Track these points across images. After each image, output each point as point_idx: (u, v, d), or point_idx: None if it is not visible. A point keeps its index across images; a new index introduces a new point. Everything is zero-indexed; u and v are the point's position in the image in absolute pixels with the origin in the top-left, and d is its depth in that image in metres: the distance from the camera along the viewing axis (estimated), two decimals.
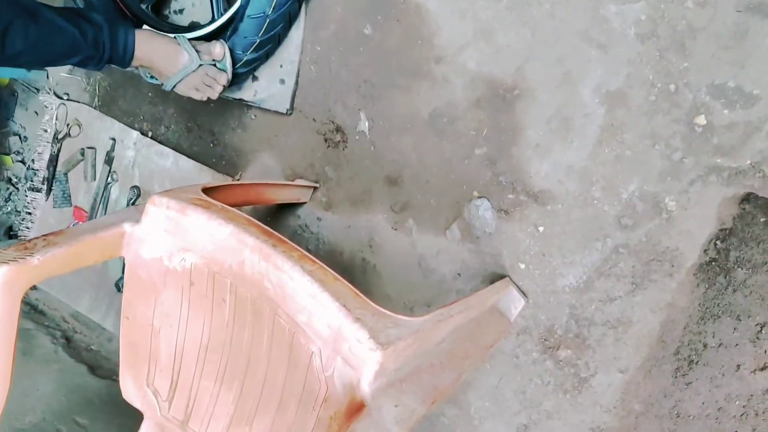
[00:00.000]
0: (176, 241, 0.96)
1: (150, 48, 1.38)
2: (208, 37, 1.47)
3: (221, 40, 1.41)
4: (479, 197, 1.31)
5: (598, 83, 1.15)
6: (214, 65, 1.42)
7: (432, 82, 1.33)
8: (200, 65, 1.40)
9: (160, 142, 1.77)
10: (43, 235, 0.91)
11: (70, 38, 1.23)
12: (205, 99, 1.47)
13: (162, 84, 1.45)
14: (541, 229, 1.26)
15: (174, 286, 0.99)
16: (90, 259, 0.97)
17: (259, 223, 0.94)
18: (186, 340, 1.01)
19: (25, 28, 1.17)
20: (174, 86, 1.43)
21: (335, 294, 0.81)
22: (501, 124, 1.26)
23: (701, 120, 1.08)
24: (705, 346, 1.15)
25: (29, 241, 0.89)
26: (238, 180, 1.64)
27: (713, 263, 1.12)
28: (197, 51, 1.39)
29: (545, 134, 1.21)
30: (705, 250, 1.12)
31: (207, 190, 1.08)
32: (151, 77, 1.51)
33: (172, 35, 1.44)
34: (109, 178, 1.87)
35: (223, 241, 0.91)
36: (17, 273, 0.82)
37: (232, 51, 1.42)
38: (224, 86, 1.45)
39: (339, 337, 0.80)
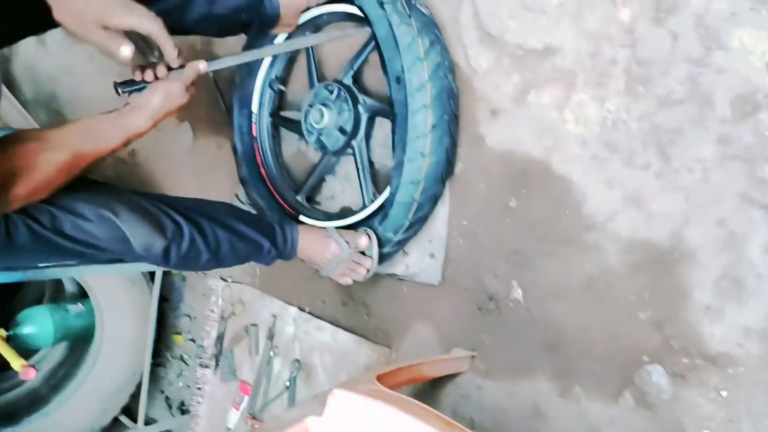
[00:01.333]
0: None
1: (307, 242, 1.55)
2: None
3: (367, 230, 1.55)
4: (650, 362, 1.27)
5: (767, 242, 1.12)
6: (362, 252, 1.55)
7: (583, 249, 1.34)
8: (349, 253, 1.53)
9: (317, 317, 1.88)
10: None
11: (253, 245, 1.41)
12: (350, 283, 1.60)
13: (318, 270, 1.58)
14: (724, 393, 1.19)
15: None
16: None
17: (439, 414, 0.96)
18: None
19: (216, 241, 1.36)
20: (328, 274, 1.56)
21: None
22: (663, 288, 1.24)
23: None
24: None
25: None
26: None
27: None
28: (346, 241, 1.53)
29: (715, 296, 1.18)
30: None
31: (379, 376, 1.13)
32: None
33: (322, 225, 1.59)
34: (271, 353, 1.98)
35: None
36: None
37: (382, 235, 1.52)
38: (368, 270, 1.57)
39: None
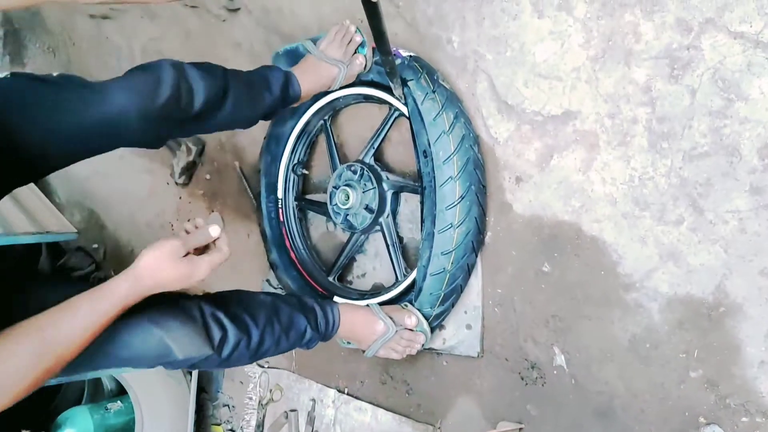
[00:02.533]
0: None
1: (350, 320, 1.50)
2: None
3: (410, 307, 1.52)
4: (708, 423, 1.22)
5: None
6: (411, 329, 1.52)
7: (624, 309, 1.32)
8: (396, 331, 1.49)
9: (356, 398, 1.84)
10: None
11: (295, 336, 1.39)
12: (404, 357, 1.56)
13: (363, 351, 1.55)
14: None
15: None
16: None
17: None
18: None
19: (276, 339, 1.35)
20: (374, 353, 1.53)
21: None
22: (713, 344, 1.20)
23: None
24: None
25: None
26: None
27: None
28: (391, 318, 1.50)
29: None
30: None
31: None
32: (348, 343, 1.62)
33: (365, 303, 1.56)
34: None
35: None
36: None
37: (420, 309, 1.51)
38: (422, 345, 1.53)
39: None
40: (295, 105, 1.61)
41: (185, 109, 1.26)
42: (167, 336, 1.16)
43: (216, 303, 1.28)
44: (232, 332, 1.26)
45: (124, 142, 1.24)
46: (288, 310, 1.40)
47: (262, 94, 1.46)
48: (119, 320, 1.06)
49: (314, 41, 1.58)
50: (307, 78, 1.54)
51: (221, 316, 1.25)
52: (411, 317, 1.50)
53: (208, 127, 1.40)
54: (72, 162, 1.22)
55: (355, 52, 1.57)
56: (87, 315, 1.00)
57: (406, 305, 1.54)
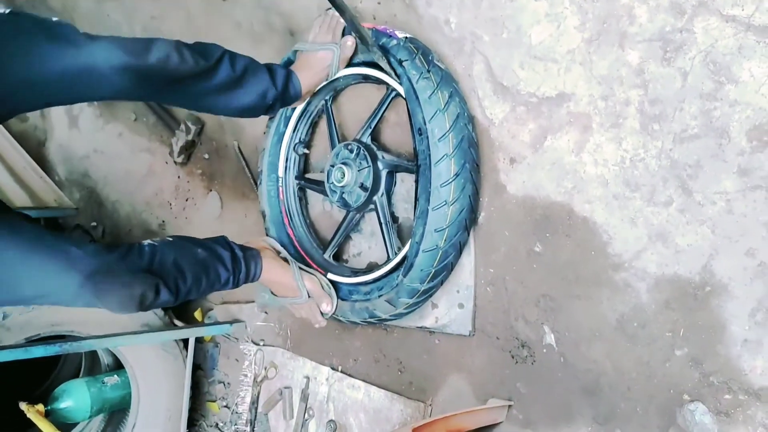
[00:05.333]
0: None
1: (269, 277, 1.69)
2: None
3: (334, 296, 1.73)
4: (692, 401, 1.24)
5: None
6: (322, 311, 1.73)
7: (613, 289, 1.34)
8: (306, 302, 1.71)
9: (350, 376, 1.87)
10: None
11: (224, 281, 1.58)
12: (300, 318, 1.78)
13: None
14: None
15: None
16: None
17: None
18: None
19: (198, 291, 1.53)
20: (280, 305, 1.80)
21: None
22: (698, 323, 1.23)
23: None
24: None
25: None
26: None
27: None
28: (307, 290, 1.70)
29: (752, 328, 1.16)
30: None
31: (416, 428, 1.12)
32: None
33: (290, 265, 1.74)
34: (306, 415, 1.96)
35: None
36: None
37: (407, 286, 1.53)
38: (320, 324, 1.76)
39: None
40: (298, 103, 1.69)
41: (173, 72, 1.32)
42: (95, 296, 1.28)
43: (162, 271, 1.41)
44: (162, 295, 1.39)
45: (99, 95, 1.31)
46: (216, 266, 1.54)
47: (258, 79, 1.52)
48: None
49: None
50: (304, 74, 1.62)
51: (161, 286, 1.38)
52: (328, 305, 1.71)
53: (194, 99, 1.46)
54: (40, 107, 1.36)
55: (343, 35, 1.62)
56: None
57: (329, 287, 1.72)
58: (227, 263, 1.56)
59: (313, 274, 1.75)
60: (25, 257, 1.22)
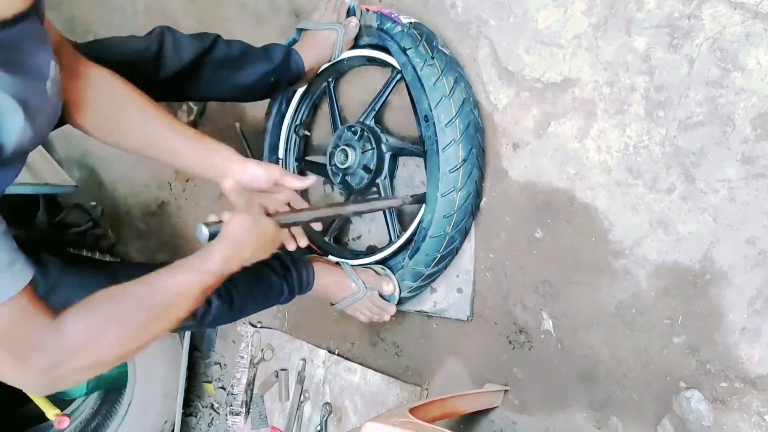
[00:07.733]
0: None
1: (323, 282, 1.59)
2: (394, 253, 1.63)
3: (389, 273, 1.60)
4: (688, 388, 1.25)
5: None
6: (384, 296, 1.60)
7: (613, 275, 1.34)
8: (366, 293, 1.57)
9: (347, 359, 1.87)
10: None
11: (279, 291, 1.50)
12: (369, 321, 1.64)
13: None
14: (767, 417, 1.16)
15: None
16: None
17: None
18: None
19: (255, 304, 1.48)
20: (342, 309, 1.62)
21: None
22: (696, 311, 1.23)
23: None
24: None
25: None
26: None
27: None
28: (363, 281, 1.57)
29: (750, 317, 1.16)
30: None
31: (412, 409, 1.13)
32: None
33: (355, 263, 1.64)
34: (302, 397, 1.97)
35: None
36: None
37: (412, 269, 1.53)
38: (391, 315, 1.61)
39: None
40: (302, 83, 1.68)
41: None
42: None
43: None
44: (215, 305, 1.36)
45: None
46: (267, 274, 1.48)
47: (257, 57, 1.53)
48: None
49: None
50: (308, 52, 1.61)
51: (212, 296, 1.33)
52: (389, 284, 1.57)
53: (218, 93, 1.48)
54: None
55: (348, 16, 1.62)
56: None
57: (383, 269, 1.61)
58: (276, 269, 1.50)
59: (360, 265, 1.66)
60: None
